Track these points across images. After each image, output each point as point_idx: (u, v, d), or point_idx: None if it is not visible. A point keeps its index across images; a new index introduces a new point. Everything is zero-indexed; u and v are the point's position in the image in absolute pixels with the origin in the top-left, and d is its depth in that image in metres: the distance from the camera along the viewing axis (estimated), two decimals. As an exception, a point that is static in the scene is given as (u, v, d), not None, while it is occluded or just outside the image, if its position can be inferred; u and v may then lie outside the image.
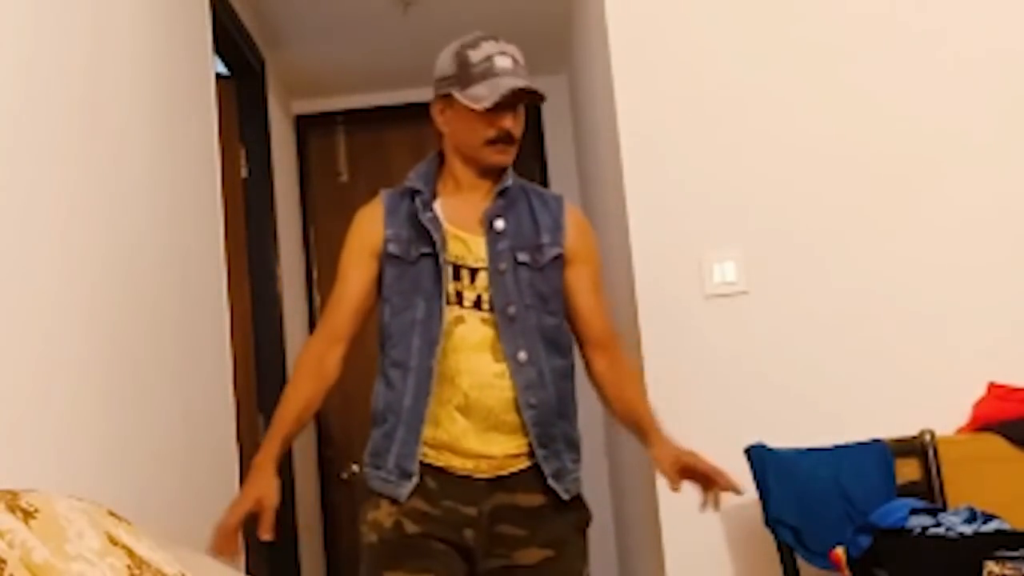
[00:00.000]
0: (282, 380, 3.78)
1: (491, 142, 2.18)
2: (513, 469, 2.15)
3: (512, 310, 2.15)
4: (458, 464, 2.13)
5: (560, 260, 2.22)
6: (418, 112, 4.55)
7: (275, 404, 3.78)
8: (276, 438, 2.18)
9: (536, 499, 2.16)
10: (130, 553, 1.33)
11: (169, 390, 2.35)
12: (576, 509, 2.24)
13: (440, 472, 2.13)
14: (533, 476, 2.15)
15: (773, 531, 2.41)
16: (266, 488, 2.12)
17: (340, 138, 4.73)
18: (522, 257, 2.18)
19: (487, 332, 2.14)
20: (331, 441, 4.43)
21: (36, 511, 1.26)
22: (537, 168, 4.76)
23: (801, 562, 2.41)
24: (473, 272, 2.16)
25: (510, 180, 2.24)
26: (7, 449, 1.57)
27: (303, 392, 2.21)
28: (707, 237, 2.76)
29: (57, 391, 1.76)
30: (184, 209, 2.61)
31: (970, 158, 2.77)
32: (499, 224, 2.19)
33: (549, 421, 2.16)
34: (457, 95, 2.17)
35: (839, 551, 2.26)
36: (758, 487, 2.42)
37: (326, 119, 4.72)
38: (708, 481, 2.07)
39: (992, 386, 2.64)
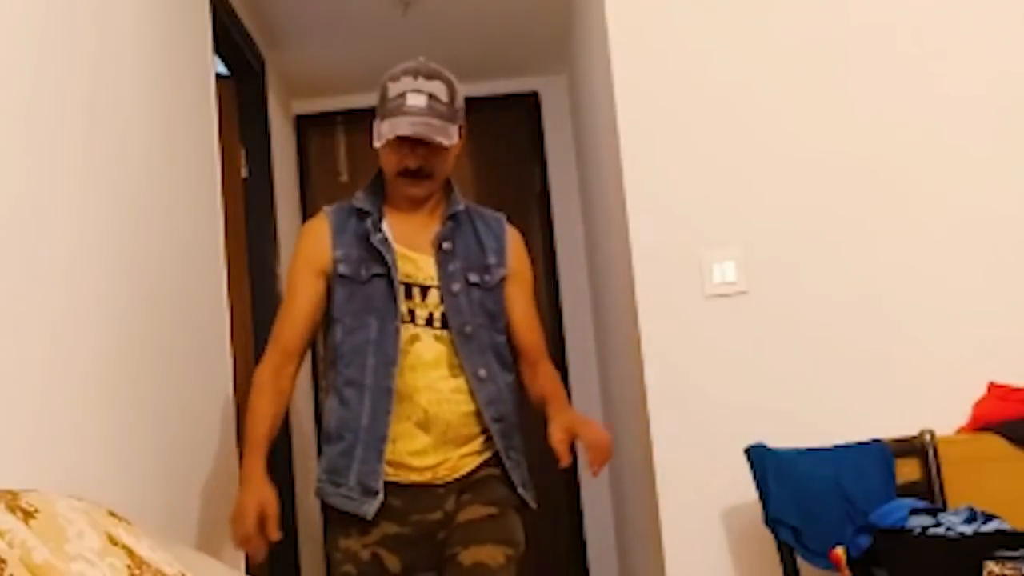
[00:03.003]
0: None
1: (400, 174, 2.24)
2: (468, 469, 2.22)
3: (468, 329, 2.22)
4: (416, 476, 2.20)
5: (504, 280, 2.31)
6: (418, 112, 4.58)
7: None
8: (257, 453, 2.20)
9: (483, 472, 2.24)
10: (130, 553, 1.33)
11: (169, 390, 2.35)
12: (512, 487, 2.28)
13: (401, 488, 2.18)
14: (491, 466, 2.24)
15: (773, 531, 2.41)
16: (265, 494, 2.16)
17: (340, 138, 4.73)
18: (473, 278, 2.26)
19: (441, 349, 2.21)
20: (331, 441, 4.42)
21: (36, 511, 1.26)
22: (537, 168, 4.76)
23: (801, 562, 2.41)
24: (424, 290, 2.23)
25: (461, 205, 2.32)
26: (7, 449, 1.57)
27: (267, 412, 2.24)
28: (707, 237, 2.76)
29: (57, 391, 1.76)
30: (184, 209, 2.61)
31: (971, 158, 2.77)
32: (447, 246, 2.26)
33: (511, 433, 2.26)
34: (374, 126, 2.24)
35: (839, 551, 2.26)
36: (758, 487, 2.42)
37: (326, 119, 4.72)
38: (591, 453, 2.12)
39: (992, 386, 2.64)
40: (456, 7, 3.83)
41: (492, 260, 2.30)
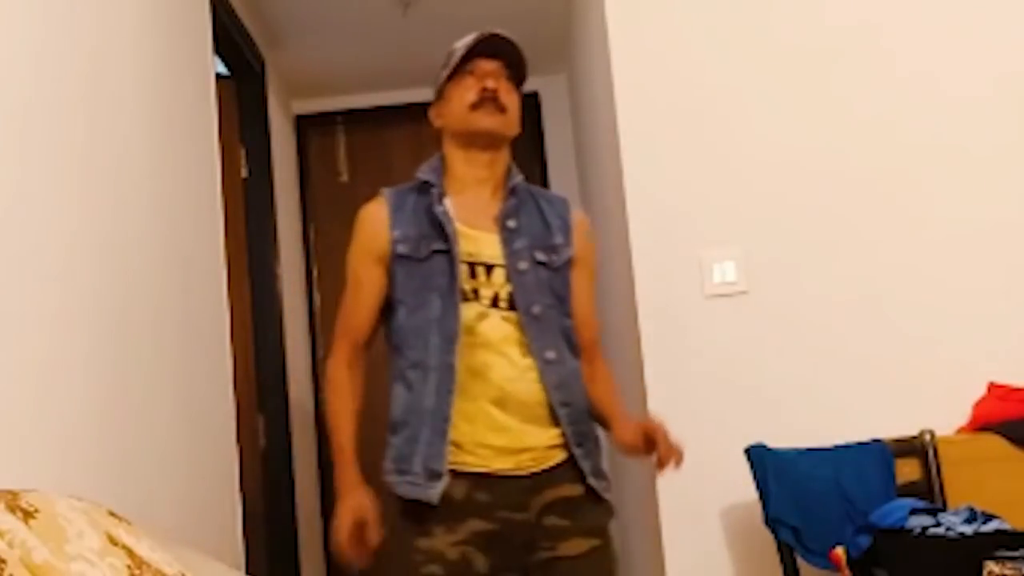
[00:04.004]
0: (282, 380, 3.78)
1: (475, 106, 2.15)
2: (553, 462, 2.09)
3: (536, 309, 2.11)
4: (499, 464, 2.06)
5: (571, 262, 2.21)
6: (418, 112, 4.55)
7: (275, 404, 3.81)
8: (347, 460, 2.13)
9: (577, 489, 2.10)
10: (130, 553, 1.33)
11: (169, 390, 2.35)
12: (606, 501, 2.17)
13: (484, 478, 2.05)
14: (571, 468, 2.11)
15: (773, 531, 2.41)
16: (363, 501, 2.09)
17: (340, 138, 4.73)
18: (540, 257, 2.15)
19: (509, 329, 2.10)
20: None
21: (36, 511, 1.26)
22: (537, 168, 4.76)
23: (801, 562, 2.41)
24: (489, 269, 2.12)
25: (519, 177, 2.23)
26: (7, 449, 1.57)
27: (351, 413, 2.16)
28: (707, 237, 2.76)
29: (58, 391, 1.76)
30: (184, 209, 2.61)
31: (971, 159, 2.77)
32: (512, 223, 2.16)
33: (581, 420, 2.14)
34: (444, 75, 2.19)
35: (839, 551, 2.26)
36: (758, 487, 2.42)
37: (326, 119, 4.72)
38: (660, 454, 2.03)
39: (992, 386, 2.64)
40: (456, 7, 3.83)
41: (559, 240, 2.19)
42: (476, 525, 2.04)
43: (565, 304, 2.18)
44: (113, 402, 2.01)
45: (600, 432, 2.22)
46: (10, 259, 1.64)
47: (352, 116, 4.70)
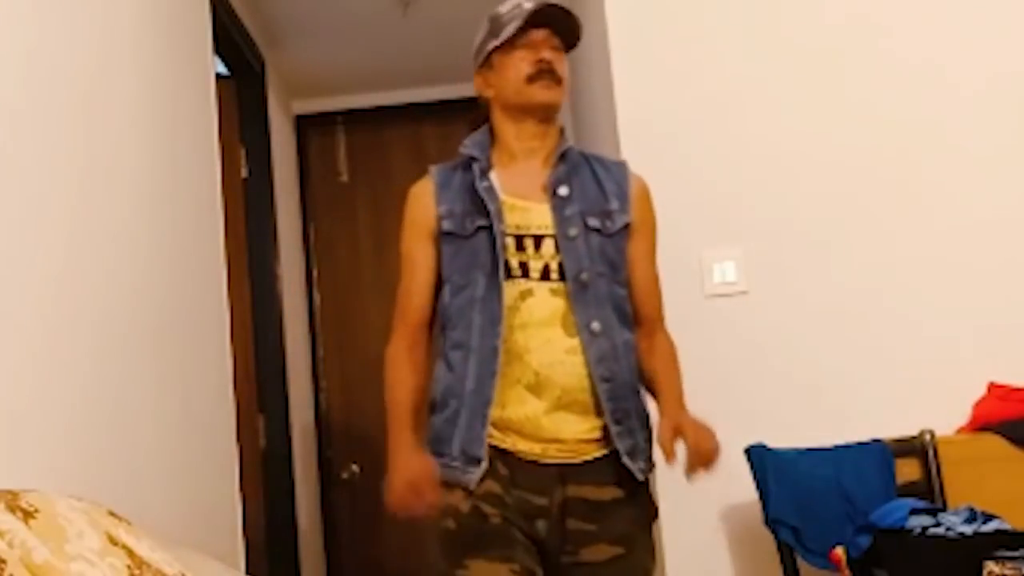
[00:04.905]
0: (282, 380, 3.78)
1: (532, 78, 2.10)
2: (584, 457, 2.04)
3: (585, 276, 2.05)
4: (525, 448, 2.02)
5: (628, 229, 2.14)
6: (418, 112, 4.60)
7: (275, 404, 3.81)
8: (401, 426, 2.05)
9: (605, 492, 2.05)
10: (130, 553, 1.33)
11: (169, 390, 2.35)
12: (643, 503, 2.12)
13: (508, 456, 2.02)
14: (604, 466, 2.05)
15: (773, 531, 2.41)
16: (412, 468, 1.98)
17: (340, 138, 4.72)
18: (593, 223, 2.09)
19: (557, 304, 2.05)
20: (331, 441, 4.43)
21: (36, 511, 1.26)
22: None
23: (801, 562, 2.41)
24: (538, 240, 2.07)
25: (570, 142, 2.17)
26: (7, 449, 1.57)
27: (407, 381, 2.10)
28: (707, 237, 2.76)
29: (58, 391, 1.76)
30: (184, 209, 2.61)
31: (972, 158, 2.77)
32: (563, 191, 2.10)
33: (623, 396, 2.07)
34: (492, 44, 2.13)
35: (839, 551, 2.26)
36: (758, 487, 2.42)
37: (326, 119, 4.72)
38: (690, 455, 1.95)
39: (992, 386, 2.64)
40: (456, 7, 3.83)
41: (614, 205, 2.11)
42: (492, 487, 2.01)
43: (619, 272, 2.12)
44: (113, 402, 2.01)
45: (648, 411, 2.15)
46: (10, 259, 1.64)
47: (352, 116, 4.69)
